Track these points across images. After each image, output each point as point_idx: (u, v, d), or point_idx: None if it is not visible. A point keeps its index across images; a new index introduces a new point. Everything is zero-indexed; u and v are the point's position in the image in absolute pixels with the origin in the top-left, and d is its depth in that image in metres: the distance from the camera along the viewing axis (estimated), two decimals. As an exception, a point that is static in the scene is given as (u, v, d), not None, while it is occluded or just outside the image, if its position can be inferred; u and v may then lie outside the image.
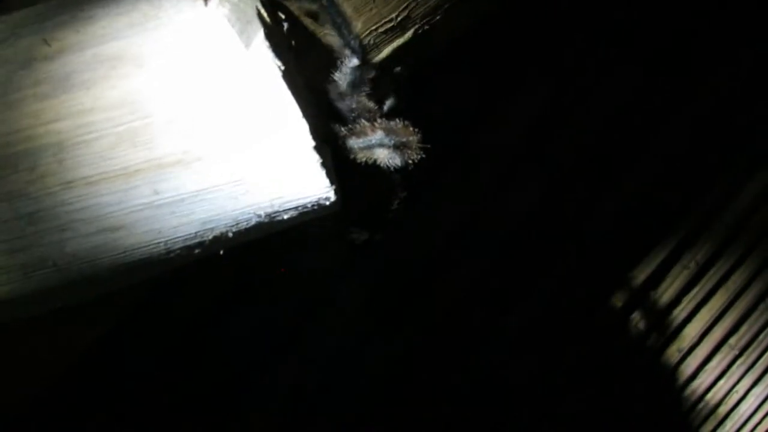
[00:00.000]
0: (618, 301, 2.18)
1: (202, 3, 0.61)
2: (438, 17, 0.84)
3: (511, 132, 1.78)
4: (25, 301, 0.64)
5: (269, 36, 0.60)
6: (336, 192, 0.63)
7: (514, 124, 1.77)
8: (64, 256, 0.61)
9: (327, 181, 0.61)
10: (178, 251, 0.64)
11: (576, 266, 2.05)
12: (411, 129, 0.71)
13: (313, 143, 0.59)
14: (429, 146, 0.72)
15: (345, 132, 0.68)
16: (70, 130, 0.58)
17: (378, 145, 0.69)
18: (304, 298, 1.61)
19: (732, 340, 2.51)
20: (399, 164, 0.72)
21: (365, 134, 0.69)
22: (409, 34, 0.83)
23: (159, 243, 0.62)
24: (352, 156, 0.68)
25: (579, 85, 1.80)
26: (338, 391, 1.78)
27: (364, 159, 0.69)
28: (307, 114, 0.59)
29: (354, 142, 0.68)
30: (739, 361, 2.58)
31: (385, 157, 0.70)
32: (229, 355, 1.65)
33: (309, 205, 0.63)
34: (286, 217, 0.63)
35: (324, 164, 0.60)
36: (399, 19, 0.81)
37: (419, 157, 0.72)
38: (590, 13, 1.69)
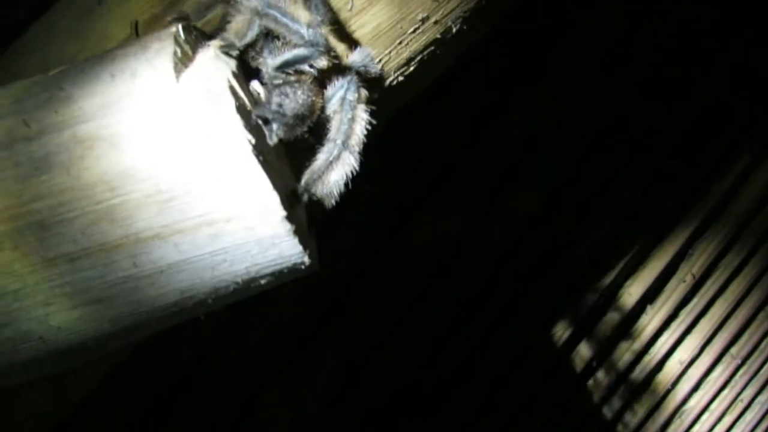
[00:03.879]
0: (616, 316, 2.19)
1: (174, 79, 0.63)
2: (412, 68, 0.86)
3: (498, 154, 1.81)
4: (13, 372, 0.66)
5: (240, 109, 0.62)
6: (311, 256, 0.65)
7: (500, 146, 1.79)
8: (50, 329, 0.63)
9: (300, 248, 0.63)
10: (160, 318, 0.66)
11: (572, 283, 2.07)
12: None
13: (284, 213, 0.60)
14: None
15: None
16: (51, 209, 0.61)
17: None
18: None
19: (733, 350, 2.51)
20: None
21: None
22: (384, 86, 0.85)
23: (140, 312, 0.64)
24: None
25: (562, 104, 1.82)
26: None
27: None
28: (277, 185, 0.61)
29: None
30: (741, 370, 2.58)
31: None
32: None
33: (285, 270, 0.65)
34: (263, 282, 0.65)
35: (297, 231, 0.62)
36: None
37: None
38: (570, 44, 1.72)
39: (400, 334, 1.82)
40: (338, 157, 0.69)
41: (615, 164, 2.01)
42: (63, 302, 0.62)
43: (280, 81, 0.70)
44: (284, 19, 0.69)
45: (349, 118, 0.71)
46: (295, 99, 0.68)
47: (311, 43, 0.70)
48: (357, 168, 0.70)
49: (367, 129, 0.71)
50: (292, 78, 0.71)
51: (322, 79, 0.74)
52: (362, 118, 0.71)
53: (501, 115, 1.73)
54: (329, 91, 0.74)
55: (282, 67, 0.71)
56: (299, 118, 0.69)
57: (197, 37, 0.70)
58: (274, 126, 0.66)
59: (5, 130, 0.63)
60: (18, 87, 0.68)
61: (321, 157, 0.70)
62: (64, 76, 0.66)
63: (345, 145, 0.69)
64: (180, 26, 0.68)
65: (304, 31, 0.70)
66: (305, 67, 0.71)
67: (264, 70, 0.72)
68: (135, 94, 0.62)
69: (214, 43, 0.70)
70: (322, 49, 0.70)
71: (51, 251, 0.61)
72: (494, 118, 1.72)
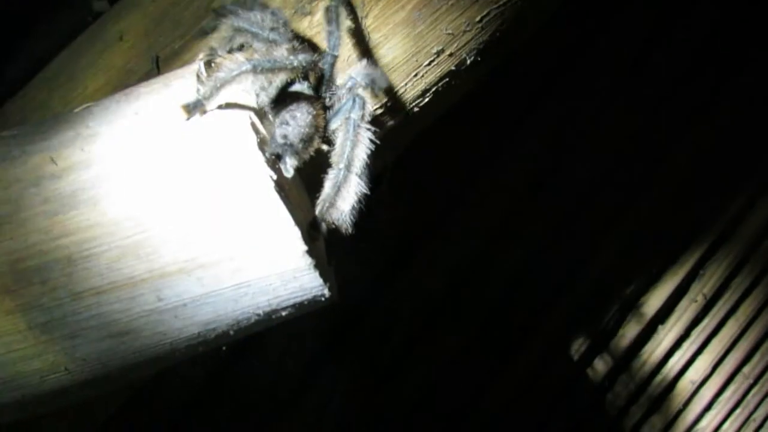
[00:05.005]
0: (627, 336, 2.18)
1: (198, 115, 0.65)
2: (427, 99, 0.88)
3: (512, 174, 1.82)
4: (39, 402, 0.67)
5: (261, 145, 0.64)
6: (330, 288, 0.66)
7: (514, 167, 1.81)
8: (75, 361, 0.65)
9: (321, 281, 0.64)
10: (183, 349, 0.67)
11: (584, 305, 2.07)
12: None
13: (305, 248, 0.62)
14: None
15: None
16: (78, 245, 0.62)
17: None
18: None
19: (746, 369, 2.50)
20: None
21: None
22: (400, 116, 0.87)
23: (164, 344, 0.66)
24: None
25: (573, 120, 1.84)
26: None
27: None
28: (298, 219, 0.62)
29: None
30: (754, 390, 2.56)
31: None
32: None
33: (306, 302, 0.66)
34: (283, 313, 0.67)
35: (317, 265, 0.63)
36: (390, 104, 0.85)
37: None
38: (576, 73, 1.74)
39: (414, 354, 1.83)
40: (345, 181, 0.69)
41: (627, 186, 2.02)
42: (89, 334, 0.63)
43: (279, 107, 0.71)
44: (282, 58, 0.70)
45: (351, 140, 0.70)
46: (296, 124, 0.69)
47: (299, 68, 0.70)
48: (366, 190, 0.70)
49: (370, 150, 0.71)
50: (289, 99, 0.71)
51: (320, 94, 0.74)
52: (365, 139, 0.71)
53: (510, 135, 1.74)
54: (335, 106, 0.74)
55: (279, 95, 0.72)
56: (306, 139, 0.69)
57: (219, 74, 0.72)
58: (287, 158, 0.66)
59: (33, 168, 0.65)
60: (44, 125, 0.70)
61: (328, 185, 0.70)
62: (89, 113, 0.68)
63: (349, 169, 0.69)
64: (202, 64, 0.70)
65: (293, 57, 0.70)
66: (299, 88, 0.72)
67: (261, 100, 0.73)
68: (159, 131, 0.64)
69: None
70: (309, 68, 0.71)
71: (78, 285, 0.62)
72: (504, 139, 1.74)
